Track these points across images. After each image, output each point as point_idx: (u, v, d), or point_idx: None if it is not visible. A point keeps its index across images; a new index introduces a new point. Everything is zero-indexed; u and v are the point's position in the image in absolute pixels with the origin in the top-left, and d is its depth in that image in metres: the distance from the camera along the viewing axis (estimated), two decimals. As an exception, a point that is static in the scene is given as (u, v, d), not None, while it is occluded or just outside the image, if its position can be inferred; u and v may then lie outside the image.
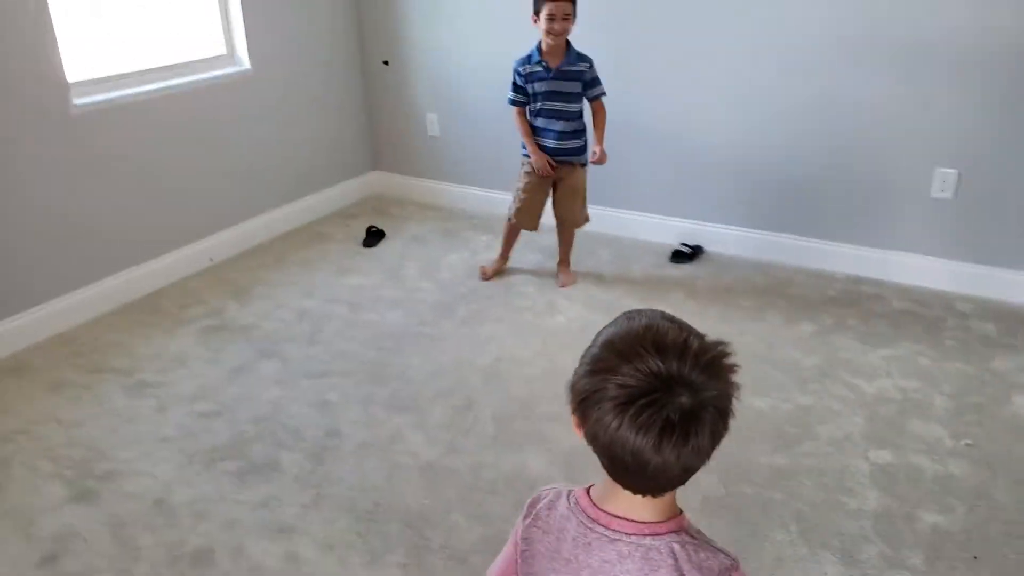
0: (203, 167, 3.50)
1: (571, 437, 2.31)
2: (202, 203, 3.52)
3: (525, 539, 1.00)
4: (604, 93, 3.09)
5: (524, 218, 3.28)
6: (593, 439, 0.89)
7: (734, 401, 0.88)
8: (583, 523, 0.94)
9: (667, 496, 0.92)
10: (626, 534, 0.91)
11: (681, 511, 0.94)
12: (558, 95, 3.06)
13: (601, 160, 3.07)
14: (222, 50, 3.59)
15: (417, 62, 4.08)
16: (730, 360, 0.88)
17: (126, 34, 3.32)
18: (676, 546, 0.90)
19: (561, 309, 3.13)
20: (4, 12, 2.68)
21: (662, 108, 3.51)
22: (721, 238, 3.56)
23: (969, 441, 2.30)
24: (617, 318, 0.96)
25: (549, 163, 3.13)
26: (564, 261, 3.40)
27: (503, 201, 4.11)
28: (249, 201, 3.75)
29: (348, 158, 4.31)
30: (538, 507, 1.01)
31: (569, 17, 2.93)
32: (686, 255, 3.51)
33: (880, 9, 2.97)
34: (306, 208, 4.06)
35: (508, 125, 3.57)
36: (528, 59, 3.06)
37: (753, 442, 2.32)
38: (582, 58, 3.05)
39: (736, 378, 0.88)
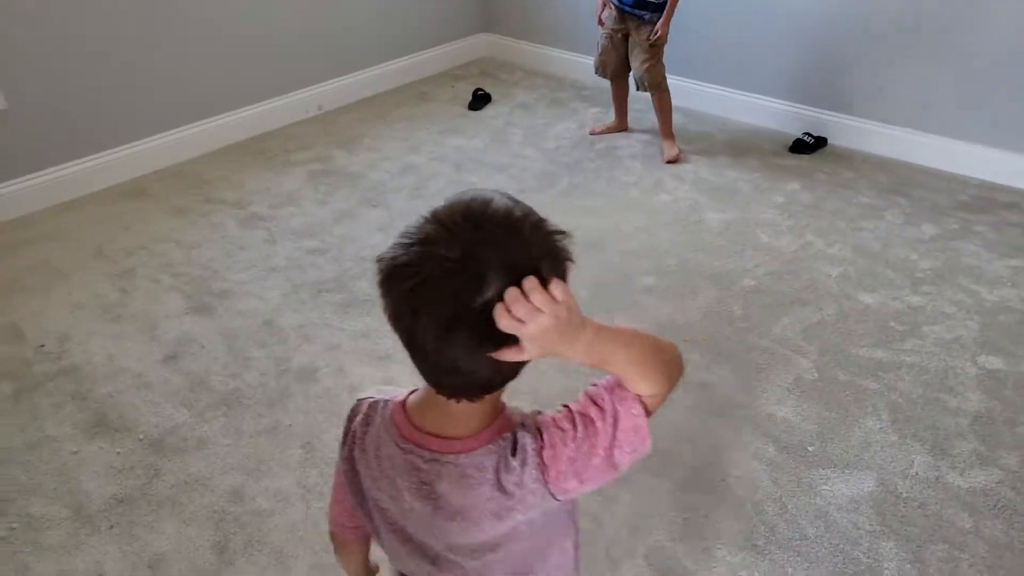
0: (314, 16, 3.49)
1: (665, 310, 2.31)
2: (311, 52, 3.54)
3: (346, 459, 0.88)
4: None
5: (598, 65, 3.33)
6: (394, 321, 0.74)
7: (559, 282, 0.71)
8: (396, 443, 0.81)
9: (487, 399, 0.78)
10: (441, 454, 0.79)
11: (504, 406, 0.81)
12: None
13: (657, 41, 3.05)
14: None
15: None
16: (560, 244, 0.76)
17: None
18: (490, 460, 0.78)
19: (668, 188, 3.05)
20: None
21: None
22: (847, 131, 3.36)
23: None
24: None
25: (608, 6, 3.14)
26: (663, 133, 3.32)
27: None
28: (357, 54, 3.74)
29: (459, 17, 4.21)
30: (354, 424, 0.87)
31: None
32: (808, 145, 3.33)
33: None
34: (413, 66, 4.02)
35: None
36: None
37: (854, 335, 2.25)
38: None
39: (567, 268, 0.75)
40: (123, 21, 2.83)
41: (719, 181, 3.10)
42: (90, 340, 2.17)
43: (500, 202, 0.74)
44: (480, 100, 3.78)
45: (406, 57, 3.97)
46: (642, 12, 3.04)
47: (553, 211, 2.76)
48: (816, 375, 2.10)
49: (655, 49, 3.10)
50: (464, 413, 0.78)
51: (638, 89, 3.23)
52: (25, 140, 2.70)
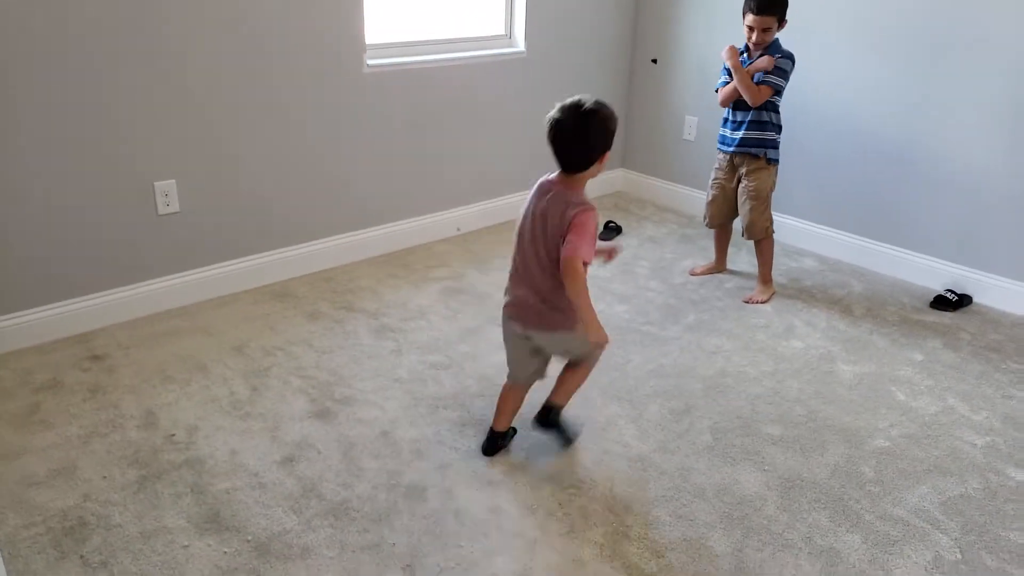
0: (468, 138, 3.74)
1: (791, 464, 2.20)
2: (458, 174, 3.76)
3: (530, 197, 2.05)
4: (766, 82, 2.96)
5: (708, 216, 3.32)
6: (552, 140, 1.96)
7: (601, 125, 1.94)
8: (542, 187, 2.01)
9: (579, 176, 1.96)
10: (555, 190, 1.97)
11: (587, 198, 1.98)
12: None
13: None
14: (501, 30, 3.80)
15: (685, 64, 4.06)
16: (604, 114, 1.93)
17: (420, 5, 3.61)
18: (567, 191, 1.96)
19: (799, 334, 2.96)
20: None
21: (947, 143, 3.19)
22: (995, 290, 3.18)
23: None
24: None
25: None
26: (762, 277, 3.27)
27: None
28: (500, 179, 3.95)
29: (598, 153, 4.38)
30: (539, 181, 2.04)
31: (770, 29, 2.93)
32: (950, 303, 3.17)
33: None
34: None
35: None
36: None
37: (1004, 515, 2.04)
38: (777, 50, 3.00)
39: (609, 123, 1.95)
40: (284, 139, 3.13)
41: (854, 332, 2.98)
42: (217, 434, 2.28)
43: (589, 101, 1.91)
44: (611, 232, 3.86)
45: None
46: (750, 149, 3.08)
47: (677, 346, 2.73)
48: (959, 555, 1.90)
49: (760, 198, 3.10)
50: (569, 179, 1.98)
51: (744, 236, 3.21)
52: (193, 239, 2.98)
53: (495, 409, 2.24)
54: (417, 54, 3.47)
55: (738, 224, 3.27)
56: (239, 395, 2.48)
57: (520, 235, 2.03)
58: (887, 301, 3.25)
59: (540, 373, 2.21)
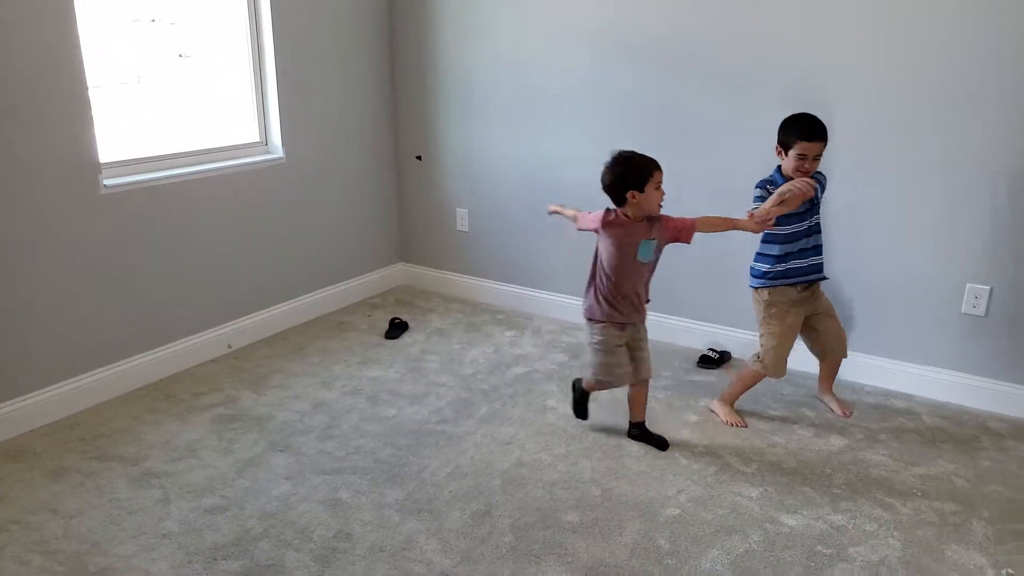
0: (229, 251, 3.53)
1: (592, 550, 2.21)
2: (225, 287, 3.53)
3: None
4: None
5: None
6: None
7: (610, 174, 2.54)
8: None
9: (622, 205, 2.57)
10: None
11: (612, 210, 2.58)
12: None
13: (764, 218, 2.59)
14: (256, 137, 3.67)
15: (449, 158, 4.16)
16: (614, 163, 2.54)
17: (160, 117, 3.40)
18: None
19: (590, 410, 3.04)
20: (42, 91, 2.75)
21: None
22: (748, 345, 3.50)
23: (1011, 572, 2.16)
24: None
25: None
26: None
27: (528, 297, 4.14)
28: (273, 288, 3.76)
29: (376, 249, 4.35)
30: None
31: (819, 158, 2.68)
32: (713, 360, 3.44)
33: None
34: (331, 297, 4.06)
35: (535, 221, 3.57)
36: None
37: (782, 563, 2.18)
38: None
39: (616, 169, 2.53)
40: (12, 274, 2.76)
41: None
42: (-61, 646, 1.87)
43: (622, 153, 2.55)
44: (397, 328, 3.79)
45: (324, 289, 4.03)
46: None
47: (472, 441, 2.69)
48: (753, 616, 1.99)
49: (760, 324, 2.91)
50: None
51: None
52: None
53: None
54: (164, 168, 3.25)
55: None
56: (-36, 590, 2.06)
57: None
58: (662, 366, 3.44)
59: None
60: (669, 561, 2.20)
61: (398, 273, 4.50)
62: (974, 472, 2.64)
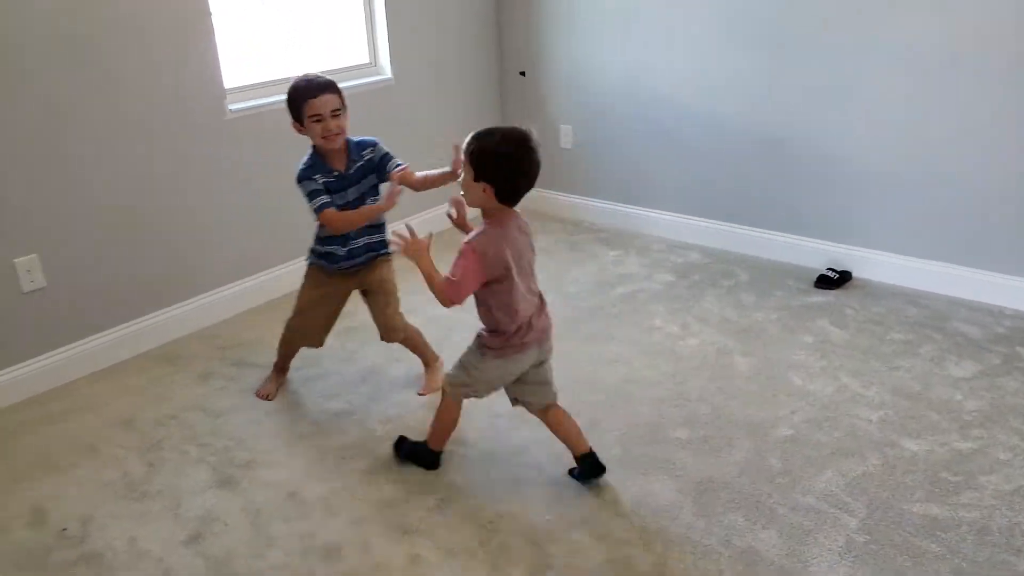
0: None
1: (701, 466, 2.23)
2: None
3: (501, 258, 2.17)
4: (401, 163, 2.49)
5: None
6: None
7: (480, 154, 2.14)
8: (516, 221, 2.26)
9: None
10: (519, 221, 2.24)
11: (486, 221, 2.20)
12: (360, 200, 2.50)
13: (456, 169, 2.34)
14: (366, 59, 3.72)
15: (553, 73, 4.09)
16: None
17: (277, 41, 3.49)
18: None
19: (693, 331, 3.02)
20: (171, 22, 2.89)
21: (812, 127, 3.34)
22: (871, 264, 3.34)
23: None
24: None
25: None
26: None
27: (634, 216, 4.08)
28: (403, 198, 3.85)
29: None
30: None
31: (340, 112, 2.40)
32: (832, 280, 3.32)
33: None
34: (440, 216, 4.13)
35: (642, 138, 3.49)
36: (312, 168, 2.41)
37: (903, 487, 2.14)
38: (363, 145, 2.49)
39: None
40: (151, 197, 2.97)
41: (746, 322, 3.07)
42: (113, 522, 2.13)
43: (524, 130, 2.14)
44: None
45: (428, 210, 4.10)
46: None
47: (576, 359, 2.73)
48: (868, 536, 1.97)
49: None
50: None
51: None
52: (63, 313, 2.78)
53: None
54: (282, 92, 3.34)
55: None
56: (133, 475, 2.32)
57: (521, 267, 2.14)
58: (774, 286, 3.36)
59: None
60: (781, 480, 2.19)
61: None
62: (1123, 402, 2.46)
